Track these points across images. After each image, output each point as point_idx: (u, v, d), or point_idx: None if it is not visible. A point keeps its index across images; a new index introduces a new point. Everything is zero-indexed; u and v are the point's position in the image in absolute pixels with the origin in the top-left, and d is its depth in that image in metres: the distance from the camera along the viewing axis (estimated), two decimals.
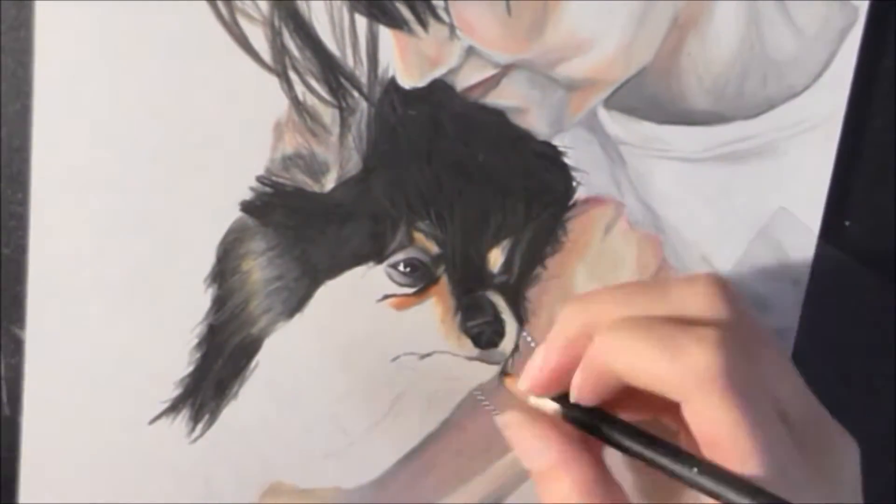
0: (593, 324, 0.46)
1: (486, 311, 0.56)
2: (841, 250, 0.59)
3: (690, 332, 0.44)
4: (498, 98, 0.54)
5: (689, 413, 0.43)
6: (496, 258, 0.56)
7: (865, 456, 0.52)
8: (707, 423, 0.43)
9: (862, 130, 0.57)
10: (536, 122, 0.54)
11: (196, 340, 0.54)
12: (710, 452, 0.43)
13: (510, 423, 0.48)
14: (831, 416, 0.48)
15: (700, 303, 0.45)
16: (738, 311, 0.45)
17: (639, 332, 0.44)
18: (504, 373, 0.56)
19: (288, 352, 0.55)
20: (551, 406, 0.47)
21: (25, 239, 0.51)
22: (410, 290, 0.55)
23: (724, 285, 0.46)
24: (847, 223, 0.58)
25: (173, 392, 0.54)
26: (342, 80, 0.52)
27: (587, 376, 0.46)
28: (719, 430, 0.43)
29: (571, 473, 0.46)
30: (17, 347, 0.52)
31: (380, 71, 0.52)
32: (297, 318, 0.55)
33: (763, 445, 0.42)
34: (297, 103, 0.51)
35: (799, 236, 0.58)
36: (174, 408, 0.55)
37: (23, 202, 0.50)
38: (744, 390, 0.43)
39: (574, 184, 0.56)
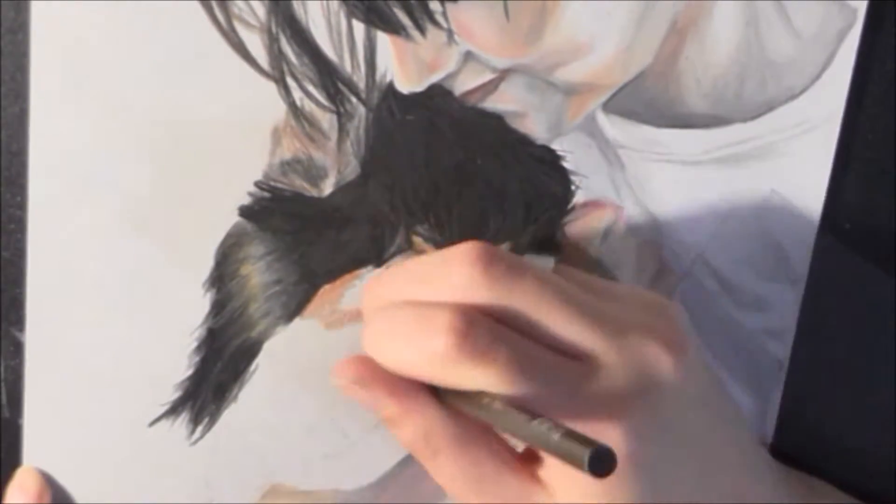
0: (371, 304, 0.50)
1: None
2: (839, 251, 0.59)
3: (421, 318, 0.46)
4: (496, 102, 0.53)
5: (458, 389, 0.47)
6: None
7: (865, 455, 0.53)
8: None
9: (860, 131, 0.57)
10: (535, 127, 0.54)
11: (195, 344, 0.54)
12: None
13: (341, 386, 0.51)
14: (652, 326, 0.49)
15: (450, 284, 0.47)
16: (494, 280, 0.47)
17: (384, 326, 0.48)
18: None
19: (287, 355, 0.55)
20: None
21: (25, 241, 0.51)
22: None
23: (476, 259, 0.47)
24: (846, 225, 0.58)
25: (173, 395, 0.54)
26: (340, 86, 0.51)
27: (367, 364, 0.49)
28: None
29: (413, 421, 0.48)
30: (16, 350, 0.52)
31: (378, 76, 0.52)
32: (297, 321, 0.55)
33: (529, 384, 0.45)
34: (294, 109, 0.51)
35: (797, 237, 0.58)
36: (174, 410, 0.55)
37: (22, 206, 0.50)
38: (487, 352, 0.45)
39: (573, 188, 0.56)
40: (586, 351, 0.48)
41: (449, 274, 0.48)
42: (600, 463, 0.41)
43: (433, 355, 0.46)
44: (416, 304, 0.48)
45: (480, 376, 0.46)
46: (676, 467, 0.49)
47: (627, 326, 0.49)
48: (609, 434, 0.46)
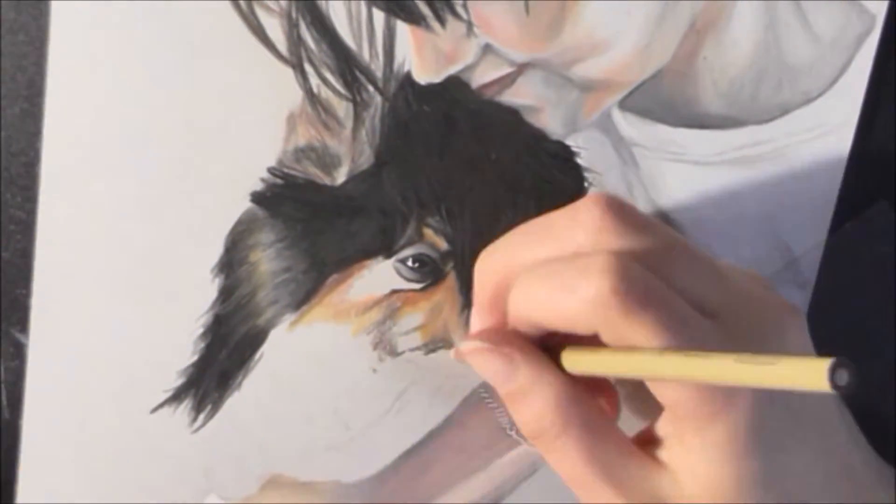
0: (504, 277, 0.48)
1: None
2: (849, 256, 0.59)
3: (575, 265, 0.44)
4: (513, 96, 0.53)
5: (607, 342, 0.44)
6: None
7: None
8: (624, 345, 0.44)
9: (875, 137, 0.57)
10: (550, 122, 0.54)
11: (201, 330, 0.54)
12: None
13: (472, 351, 0.48)
14: (767, 294, 0.47)
15: (586, 233, 0.45)
16: (629, 227, 0.45)
17: (534, 280, 0.45)
18: None
19: (292, 344, 0.55)
20: None
21: (26, 241, 0.51)
22: (418, 286, 0.55)
23: (606, 207, 0.45)
24: (857, 229, 0.58)
25: (176, 381, 0.54)
26: (357, 74, 0.51)
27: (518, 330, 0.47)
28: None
29: (543, 393, 0.46)
30: (17, 351, 0.52)
31: (395, 66, 0.52)
32: (304, 309, 0.54)
33: (676, 337, 0.43)
34: (311, 96, 0.51)
35: (808, 241, 0.58)
36: (177, 397, 0.54)
37: (22, 206, 0.50)
38: (645, 303, 0.43)
39: (586, 184, 0.56)
40: (713, 308, 0.45)
41: (582, 223, 0.45)
42: (842, 375, 0.35)
43: (590, 301, 0.43)
44: (561, 258, 0.45)
45: (635, 324, 0.43)
46: (799, 445, 0.46)
47: (749, 290, 0.47)
48: (735, 403, 0.44)
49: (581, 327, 0.44)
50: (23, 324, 0.52)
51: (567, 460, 0.46)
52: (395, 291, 0.55)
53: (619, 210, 0.45)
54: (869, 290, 0.60)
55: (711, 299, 0.45)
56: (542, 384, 0.46)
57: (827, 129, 0.56)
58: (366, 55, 0.51)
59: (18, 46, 0.49)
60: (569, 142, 0.55)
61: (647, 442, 0.47)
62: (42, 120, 0.49)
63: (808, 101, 0.56)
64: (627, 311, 0.43)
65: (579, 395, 0.47)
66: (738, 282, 0.47)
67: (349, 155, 0.53)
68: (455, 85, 0.53)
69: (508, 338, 0.48)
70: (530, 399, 0.47)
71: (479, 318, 0.49)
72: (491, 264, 0.49)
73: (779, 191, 0.57)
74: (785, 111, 0.56)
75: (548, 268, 0.45)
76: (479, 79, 0.53)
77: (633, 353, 0.44)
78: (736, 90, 0.55)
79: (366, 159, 0.53)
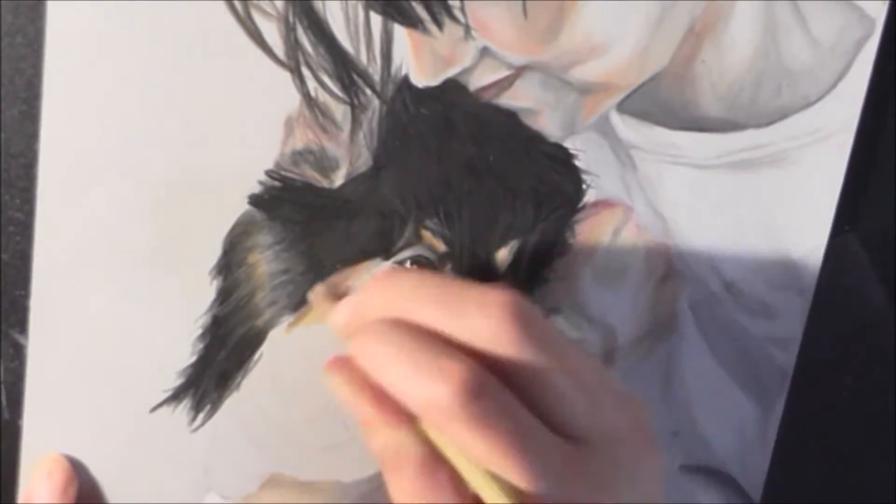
0: (386, 306, 0.45)
1: None
2: (849, 261, 0.59)
3: (441, 362, 0.43)
4: (511, 99, 0.53)
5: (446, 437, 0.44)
6: (503, 258, 0.56)
7: (866, 466, 0.53)
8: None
9: (875, 142, 0.57)
10: (548, 125, 0.54)
11: (200, 331, 0.54)
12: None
13: (330, 381, 0.47)
14: (635, 430, 0.47)
15: (487, 330, 0.44)
16: (526, 340, 0.44)
17: (392, 346, 0.44)
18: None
19: (291, 345, 0.55)
20: None
21: (25, 242, 0.51)
22: None
23: (517, 314, 0.44)
24: (857, 234, 0.58)
25: (175, 381, 0.54)
26: (355, 77, 0.51)
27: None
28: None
29: (387, 434, 0.46)
30: (16, 352, 0.52)
31: (393, 69, 0.52)
32: (302, 311, 0.55)
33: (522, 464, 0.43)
34: (309, 99, 0.51)
35: (807, 246, 0.57)
36: (176, 397, 0.55)
37: (21, 208, 0.50)
38: (495, 415, 0.43)
39: (584, 187, 0.55)
40: (577, 434, 0.45)
41: (482, 318, 0.44)
42: None
43: (436, 401, 0.43)
44: (434, 337, 0.44)
45: (474, 441, 0.43)
46: None
47: (618, 425, 0.46)
48: None
49: (419, 415, 0.44)
50: (22, 325, 0.52)
51: (399, 494, 0.46)
52: None
53: (527, 323, 0.44)
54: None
55: (578, 425, 0.45)
56: (385, 427, 0.46)
57: (827, 133, 0.56)
58: (363, 58, 0.51)
59: (16, 49, 0.49)
60: (567, 144, 0.55)
61: None
62: (40, 123, 0.49)
63: (808, 105, 0.55)
64: (469, 424, 0.42)
65: (425, 440, 0.46)
66: (611, 414, 0.46)
67: (347, 158, 0.53)
68: (453, 88, 0.53)
69: (362, 375, 0.46)
70: (373, 435, 0.47)
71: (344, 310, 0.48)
72: (392, 294, 0.46)
73: (778, 195, 0.57)
74: (784, 115, 0.55)
75: (412, 343, 0.44)
76: (476, 82, 0.53)
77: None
78: (735, 94, 0.55)
79: (363, 162, 0.53)
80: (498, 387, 0.43)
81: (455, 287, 0.45)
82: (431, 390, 0.42)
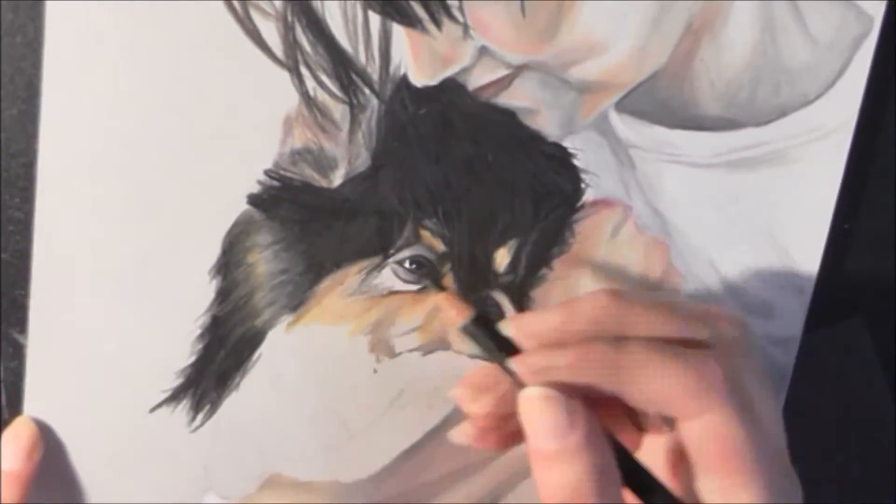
0: (623, 325, 0.45)
1: (490, 310, 0.56)
2: (849, 259, 0.59)
3: (697, 355, 0.45)
4: (509, 98, 0.53)
5: (692, 429, 0.44)
6: (502, 258, 0.56)
7: (869, 464, 0.53)
8: (713, 439, 0.44)
9: (874, 139, 0.57)
10: (547, 124, 0.54)
11: (199, 331, 0.54)
12: (708, 464, 0.44)
13: (538, 396, 0.44)
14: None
15: (739, 335, 0.47)
16: (751, 339, 0.47)
17: (665, 359, 0.44)
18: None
19: (290, 345, 0.55)
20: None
21: (24, 242, 0.51)
22: (415, 287, 0.55)
23: (740, 318, 0.47)
24: (856, 232, 0.58)
25: (175, 381, 0.54)
26: (354, 77, 0.51)
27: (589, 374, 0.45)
28: (725, 445, 0.44)
29: (591, 457, 0.44)
30: (16, 352, 0.52)
31: (392, 68, 0.52)
32: (301, 310, 0.55)
33: (764, 467, 0.44)
34: (307, 98, 0.51)
35: (806, 244, 0.57)
36: (175, 397, 0.55)
37: (21, 207, 0.50)
38: (742, 409, 0.44)
39: (583, 186, 0.56)
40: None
41: (730, 327, 0.47)
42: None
43: (712, 383, 0.44)
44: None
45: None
46: None
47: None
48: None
49: (675, 411, 0.45)
50: (22, 324, 0.52)
51: None
52: (392, 293, 0.55)
53: (745, 323, 0.48)
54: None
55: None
56: (591, 450, 0.44)
57: (825, 132, 0.56)
58: (362, 58, 0.51)
59: (16, 48, 0.49)
60: (565, 143, 0.55)
61: None
62: (40, 122, 0.49)
63: (806, 103, 0.55)
64: (731, 411, 0.44)
65: (614, 470, 0.45)
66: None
67: (345, 157, 0.53)
68: (451, 87, 0.53)
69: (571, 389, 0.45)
70: (573, 462, 0.44)
71: (563, 319, 0.46)
72: (622, 307, 0.46)
73: (777, 193, 0.57)
74: (783, 113, 0.55)
75: (672, 358, 0.45)
76: (475, 81, 0.53)
77: None
78: (733, 92, 0.55)
79: (362, 161, 0.53)
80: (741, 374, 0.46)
81: (685, 303, 0.49)
82: (701, 377, 0.44)
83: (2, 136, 0.49)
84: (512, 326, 0.46)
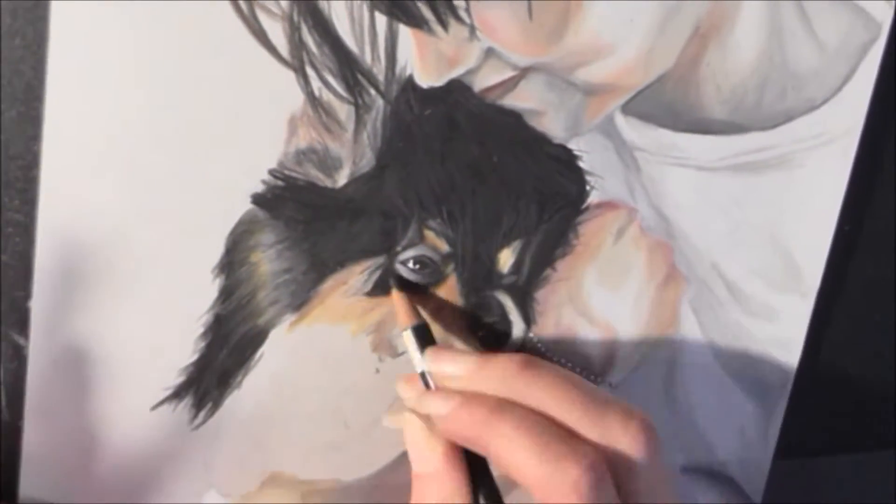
0: (523, 393, 0.49)
1: (493, 310, 0.56)
2: (852, 265, 0.59)
3: (575, 445, 0.46)
4: (515, 100, 0.53)
5: None
6: (506, 259, 0.56)
7: (867, 468, 0.53)
8: None
9: (880, 146, 0.57)
10: (553, 126, 0.54)
11: (202, 329, 0.54)
12: None
13: (407, 423, 0.52)
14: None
15: (628, 444, 0.47)
16: (653, 460, 0.48)
17: (534, 439, 0.47)
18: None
19: (292, 344, 0.55)
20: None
21: (24, 243, 0.51)
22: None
23: (654, 436, 0.48)
24: (861, 237, 0.58)
25: (177, 379, 0.54)
26: (359, 77, 0.51)
27: (472, 430, 0.49)
28: None
29: (454, 479, 0.50)
30: (16, 353, 0.52)
31: (398, 69, 0.52)
32: (304, 310, 0.55)
33: None
34: (312, 98, 0.51)
35: (810, 249, 0.57)
36: (177, 395, 0.55)
37: (20, 209, 0.50)
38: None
39: (588, 188, 0.55)
40: None
41: (622, 427, 0.48)
42: None
43: (560, 480, 0.46)
44: (563, 427, 0.48)
45: None
46: None
47: None
48: None
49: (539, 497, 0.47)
50: (22, 326, 0.52)
51: None
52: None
53: (659, 445, 0.48)
54: None
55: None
56: (454, 470, 0.51)
57: (831, 137, 0.56)
58: (368, 58, 0.51)
59: (15, 50, 0.49)
60: (571, 145, 0.55)
61: None
62: (40, 124, 0.49)
63: (813, 108, 0.55)
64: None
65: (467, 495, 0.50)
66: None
67: (350, 157, 0.53)
68: (457, 88, 0.53)
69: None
70: (429, 485, 0.51)
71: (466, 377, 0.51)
72: (529, 374, 0.50)
73: (782, 198, 0.57)
74: (789, 118, 0.55)
75: (546, 430, 0.47)
76: (481, 82, 0.53)
77: None
78: (739, 96, 0.55)
79: (367, 162, 0.53)
80: (612, 486, 0.47)
81: (599, 393, 0.49)
82: (562, 469, 0.46)
83: (1, 138, 0.49)
84: (430, 359, 0.52)
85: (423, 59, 0.52)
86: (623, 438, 0.47)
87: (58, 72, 0.49)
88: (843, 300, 0.59)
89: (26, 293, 0.51)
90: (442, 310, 0.56)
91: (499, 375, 0.49)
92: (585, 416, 0.48)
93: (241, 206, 0.52)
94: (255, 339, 0.55)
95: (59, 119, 0.49)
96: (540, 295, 0.57)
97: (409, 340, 0.53)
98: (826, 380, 0.61)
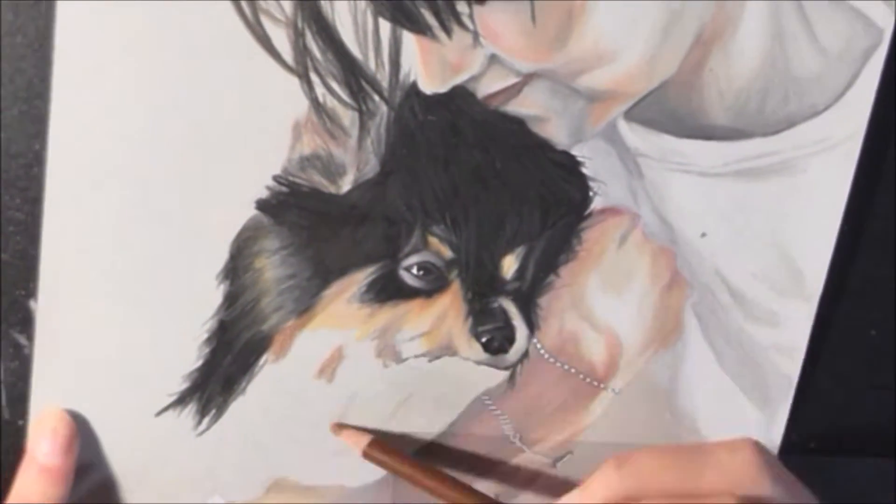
0: (636, 493, 0.47)
1: (497, 316, 0.56)
2: (855, 270, 0.59)
3: None
4: (519, 106, 0.53)
5: None
6: (510, 265, 0.56)
7: (869, 472, 0.53)
8: None
9: (882, 150, 0.57)
10: (556, 132, 0.54)
11: (206, 335, 0.54)
12: None
13: None
14: None
15: (743, 473, 0.47)
16: (779, 483, 0.47)
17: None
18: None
19: (297, 350, 0.55)
20: None
21: (25, 242, 0.51)
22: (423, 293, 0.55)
23: (766, 455, 0.47)
24: (864, 241, 0.58)
25: (181, 385, 0.54)
26: (363, 84, 0.51)
27: None
28: None
29: None
30: (16, 352, 0.52)
31: (401, 75, 0.52)
32: (307, 315, 0.55)
33: None
34: (316, 105, 0.51)
35: (813, 254, 0.57)
36: (181, 401, 0.55)
37: (21, 207, 0.50)
38: None
39: (591, 194, 0.56)
40: None
41: (730, 455, 0.47)
42: None
43: None
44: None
45: None
46: None
47: None
48: None
49: None
50: (22, 325, 0.52)
51: None
52: (399, 299, 0.55)
53: (775, 462, 0.48)
54: None
55: None
56: None
57: (834, 142, 0.56)
58: (372, 65, 0.51)
59: (17, 49, 0.49)
60: (574, 152, 0.55)
61: None
62: (41, 122, 0.49)
63: (815, 113, 0.55)
64: None
65: None
66: None
67: (354, 164, 0.53)
68: (461, 95, 0.53)
69: None
70: None
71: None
72: (629, 472, 0.48)
73: (785, 203, 0.57)
74: (791, 124, 0.55)
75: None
76: (484, 89, 0.53)
77: None
78: (742, 102, 0.55)
79: (371, 168, 0.53)
80: None
81: (687, 447, 0.49)
82: None
83: (2, 136, 0.49)
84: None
85: (427, 65, 0.52)
86: (734, 466, 0.47)
87: (62, 78, 0.49)
88: (845, 303, 0.59)
89: (27, 292, 0.51)
90: (445, 319, 0.56)
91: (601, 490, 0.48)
92: (685, 474, 0.47)
93: (246, 212, 0.52)
94: (260, 344, 0.55)
95: (63, 124, 0.49)
96: (543, 301, 0.57)
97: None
98: (828, 384, 0.61)
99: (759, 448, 0.47)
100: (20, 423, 0.53)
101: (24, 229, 0.51)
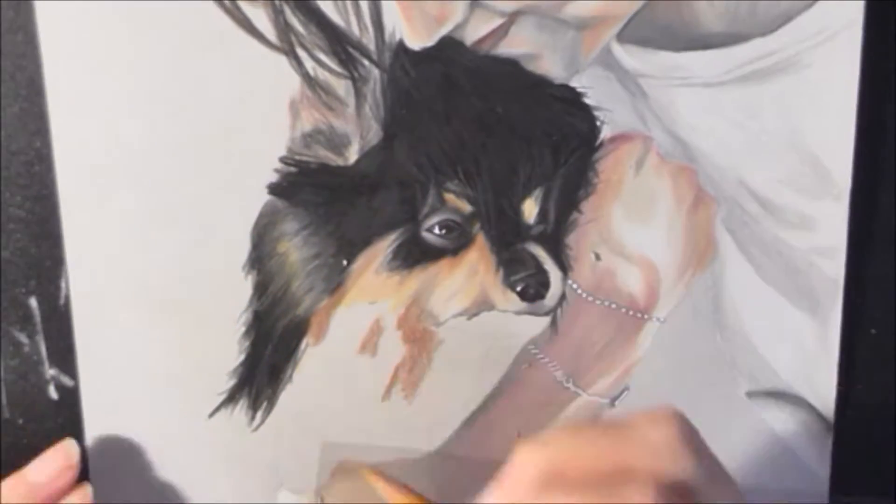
0: (553, 478, 0.44)
1: (527, 263, 0.56)
2: (881, 159, 0.58)
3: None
4: (509, 47, 0.53)
5: None
6: (530, 209, 0.55)
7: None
8: None
9: (885, 33, 0.56)
10: (551, 67, 0.54)
11: (244, 329, 0.54)
12: None
13: None
14: None
15: (664, 448, 0.44)
16: (701, 460, 0.44)
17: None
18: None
19: (335, 328, 0.55)
20: None
21: (25, 240, 0.52)
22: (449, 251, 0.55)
23: (688, 428, 0.45)
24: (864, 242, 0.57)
25: (228, 382, 0.55)
26: (350, 51, 0.51)
27: None
28: None
29: None
30: (17, 350, 0.52)
31: (387, 36, 0.52)
32: (340, 292, 0.55)
33: None
34: (308, 79, 0.51)
35: (835, 148, 0.56)
36: (232, 398, 0.55)
37: (22, 205, 0.51)
38: None
39: (598, 123, 0.55)
40: None
41: (653, 429, 0.44)
42: None
43: None
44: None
45: None
46: None
47: None
48: None
49: None
50: (23, 323, 0.52)
51: None
52: (427, 261, 0.55)
53: (693, 432, 0.45)
54: None
55: None
56: None
57: (834, 31, 0.55)
58: (355, 30, 0.51)
59: (17, 46, 0.49)
60: (573, 84, 0.54)
61: None
62: (42, 119, 0.50)
63: (810, 4, 0.54)
64: None
65: None
66: None
67: (357, 132, 0.53)
68: (449, 45, 0.53)
69: None
70: None
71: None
72: (542, 453, 0.45)
73: (796, 102, 0.56)
74: (788, 19, 0.55)
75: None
76: (472, 35, 0.53)
77: None
78: (734, 6, 0.54)
79: (374, 134, 0.53)
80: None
81: (608, 422, 0.48)
82: None
83: (3, 133, 0.50)
84: None
85: (410, 20, 0.52)
86: (656, 439, 0.44)
87: (55, 88, 0.50)
88: (845, 304, 0.58)
89: (27, 289, 0.52)
90: (475, 274, 0.56)
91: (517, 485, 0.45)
92: (610, 444, 0.45)
93: (260, 198, 0.53)
94: (298, 329, 0.55)
95: (64, 136, 0.50)
96: (571, 240, 0.56)
97: None
98: (877, 282, 0.60)
99: (682, 420, 0.45)
100: (20, 422, 0.54)
101: (24, 227, 0.51)
